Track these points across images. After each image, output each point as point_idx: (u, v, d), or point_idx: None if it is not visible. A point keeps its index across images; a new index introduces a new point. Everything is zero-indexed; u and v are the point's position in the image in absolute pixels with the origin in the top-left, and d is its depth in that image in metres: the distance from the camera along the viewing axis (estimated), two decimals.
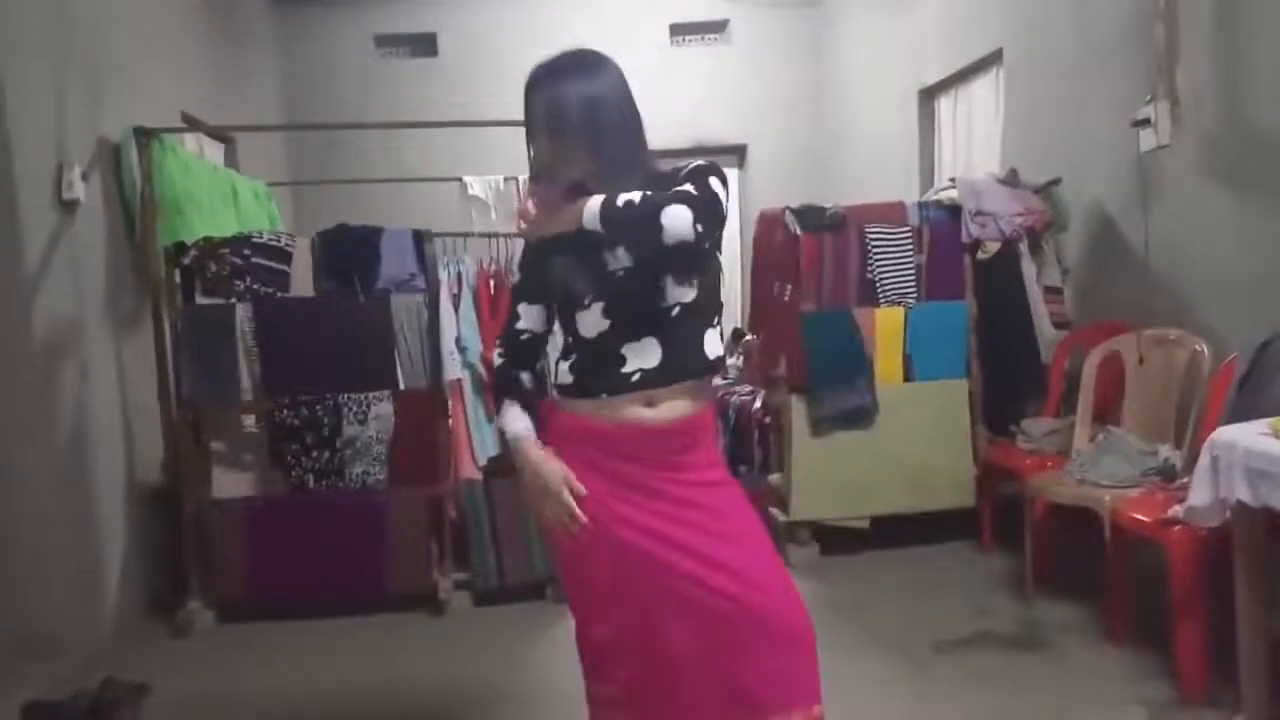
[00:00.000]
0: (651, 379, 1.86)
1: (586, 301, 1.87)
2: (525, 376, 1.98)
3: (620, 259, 1.86)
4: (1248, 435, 2.44)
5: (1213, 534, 2.72)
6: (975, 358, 4.31)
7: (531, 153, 1.89)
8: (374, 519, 3.93)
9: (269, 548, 3.92)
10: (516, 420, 1.95)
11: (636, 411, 1.87)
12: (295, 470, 3.94)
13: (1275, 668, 2.54)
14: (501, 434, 2.09)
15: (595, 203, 1.80)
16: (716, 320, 1.95)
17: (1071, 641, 3.33)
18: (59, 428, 3.68)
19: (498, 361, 2.02)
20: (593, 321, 1.88)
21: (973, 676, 3.14)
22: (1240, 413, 2.83)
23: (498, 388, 2.02)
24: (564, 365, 1.93)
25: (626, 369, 1.86)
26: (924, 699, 3.03)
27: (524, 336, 1.98)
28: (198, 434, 4.01)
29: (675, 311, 1.87)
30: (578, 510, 1.86)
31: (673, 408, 1.88)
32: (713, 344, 1.92)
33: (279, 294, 3.97)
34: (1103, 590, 3.39)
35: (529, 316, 1.99)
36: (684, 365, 1.89)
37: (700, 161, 1.92)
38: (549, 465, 1.89)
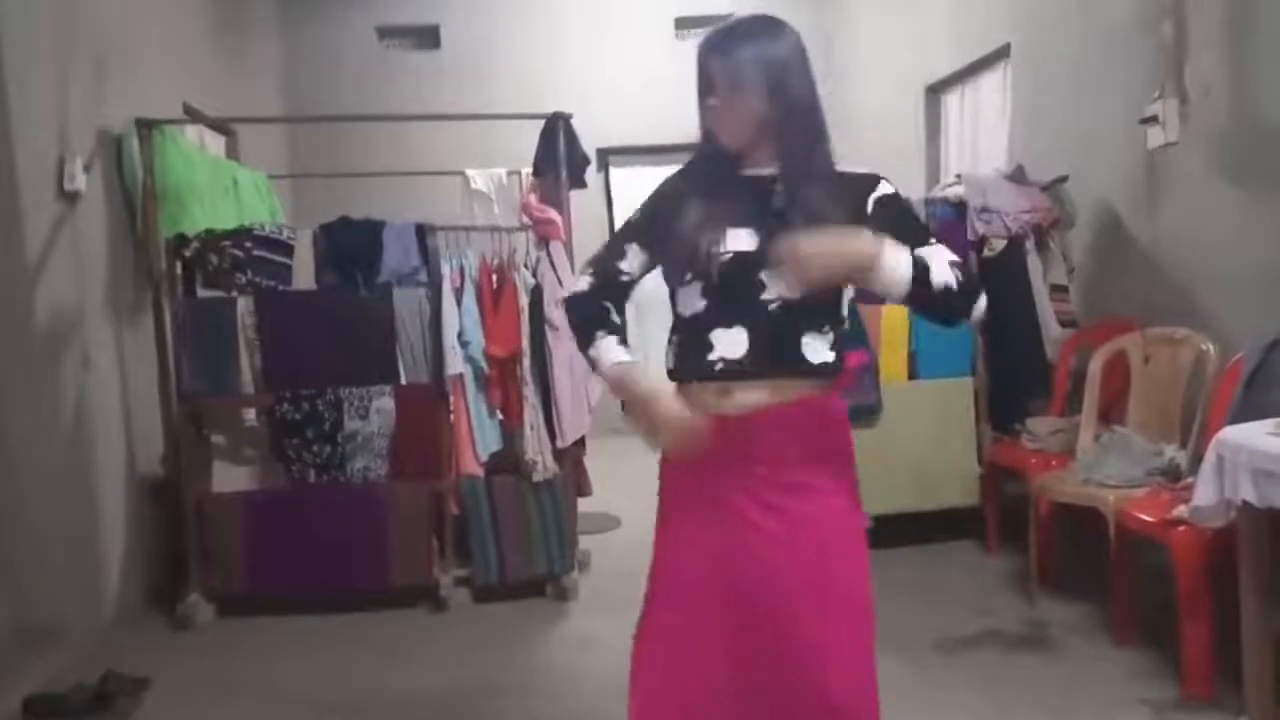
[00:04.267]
0: (734, 370, 1.78)
1: (687, 277, 1.80)
2: (613, 312, 1.87)
3: (739, 242, 1.77)
4: (1254, 435, 2.44)
5: (1218, 534, 2.71)
6: (980, 356, 4.28)
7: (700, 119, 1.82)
8: (375, 514, 3.92)
9: (269, 542, 3.90)
10: (612, 348, 1.82)
11: (713, 400, 1.80)
12: (296, 464, 3.93)
13: (1279, 668, 2.52)
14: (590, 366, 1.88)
15: (902, 257, 1.68)
16: (827, 327, 1.80)
17: (1075, 641, 3.32)
18: (60, 420, 3.67)
19: (581, 286, 1.89)
20: (688, 299, 1.82)
21: (976, 676, 3.13)
22: (1246, 412, 2.82)
23: (583, 318, 1.87)
24: (668, 346, 1.87)
25: (712, 356, 1.79)
26: (926, 698, 3.00)
27: (623, 277, 1.87)
28: (198, 427, 4.01)
29: (775, 305, 1.77)
30: (693, 423, 1.75)
31: (751, 399, 1.78)
32: (816, 348, 1.78)
33: (281, 287, 3.96)
34: (1107, 590, 3.38)
35: (634, 259, 1.88)
36: (772, 361, 1.78)
37: (888, 188, 1.82)
38: (657, 390, 1.78)
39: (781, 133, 1.78)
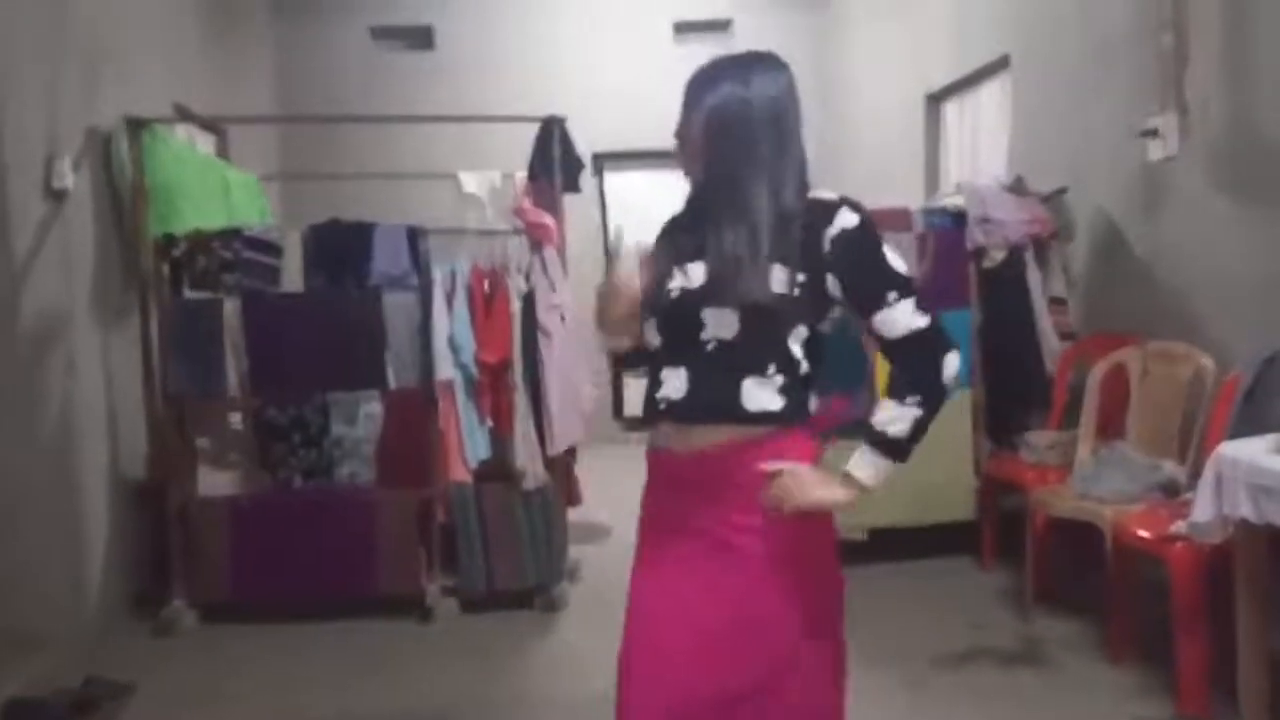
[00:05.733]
0: (675, 411, 1.77)
1: (647, 314, 1.81)
2: None
3: (688, 278, 1.75)
4: (1252, 452, 2.43)
5: (1215, 550, 2.70)
6: (978, 368, 4.25)
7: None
8: (361, 521, 3.89)
9: (254, 547, 3.87)
10: None
11: (668, 439, 1.81)
12: (282, 469, 3.90)
13: (1275, 685, 2.53)
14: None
15: (880, 467, 1.73)
16: (772, 369, 1.72)
17: (1071, 658, 3.31)
18: (44, 420, 3.63)
19: None
20: (650, 334, 1.83)
21: (970, 692, 3.11)
22: (1244, 428, 2.82)
23: None
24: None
25: (659, 394, 1.78)
26: (920, 714, 3.01)
27: None
28: (183, 430, 3.96)
29: (711, 346, 1.73)
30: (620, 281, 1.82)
31: (709, 438, 1.75)
32: (759, 394, 1.71)
33: (269, 289, 3.93)
34: (1103, 606, 3.36)
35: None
36: (706, 406, 1.74)
37: (848, 220, 1.71)
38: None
39: (716, 173, 1.76)
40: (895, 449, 1.71)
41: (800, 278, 1.70)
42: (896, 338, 1.71)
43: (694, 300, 1.73)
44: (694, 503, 1.77)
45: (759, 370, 1.72)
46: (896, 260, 1.73)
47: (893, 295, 1.69)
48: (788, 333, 1.73)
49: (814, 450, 1.79)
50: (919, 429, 1.70)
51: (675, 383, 1.76)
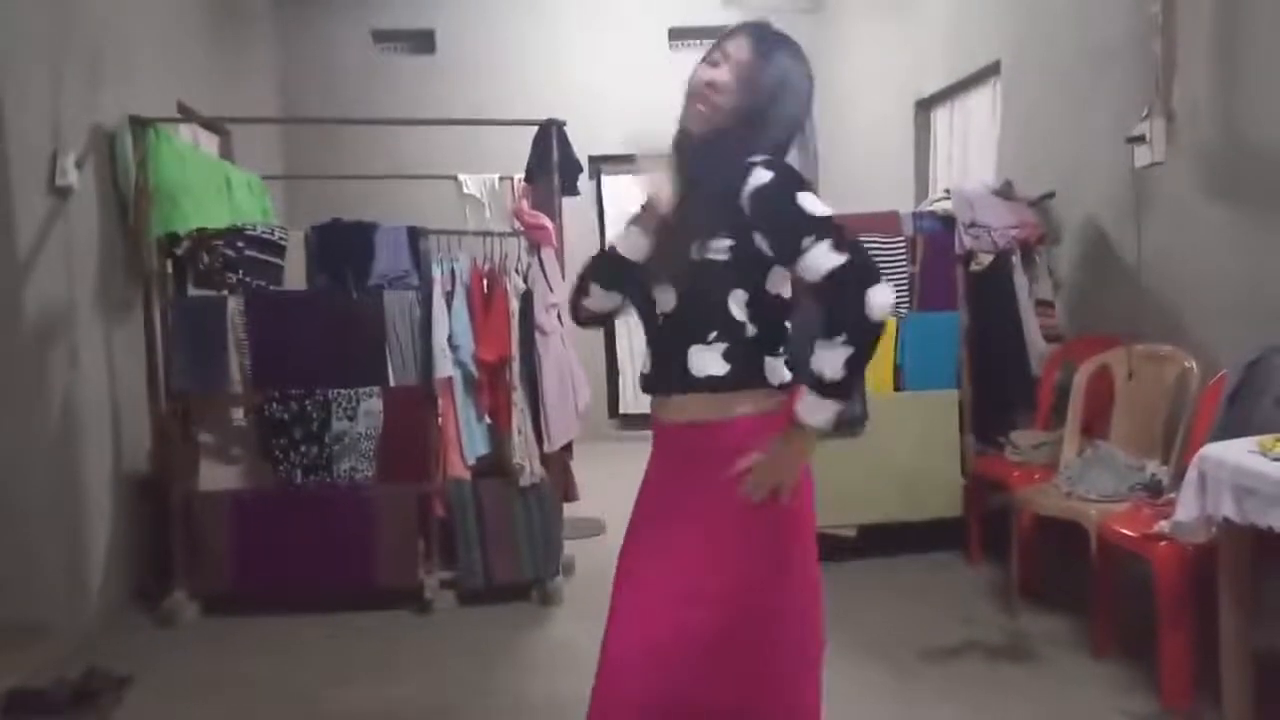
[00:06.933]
0: (645, 383, 1.92)
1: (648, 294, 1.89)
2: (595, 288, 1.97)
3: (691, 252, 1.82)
4: (1235, 452, 2.46)
5: (1198, 550, 2.73)
6: (966, 369, 4.31)
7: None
8: (361, 515, 3.92)
9: (255, 541, 3.91)
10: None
11: (657, 411, 1.93)
12: (283, 464, 3.94)
13: (1257, 682, 2.55)
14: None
15: (823, 407, 1.71)
16: (714, 336, 1.78)
17: (1056, 653, 3.34)
18: (48, 416, 3.66)
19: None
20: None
21: (958, 685, 3.15)
22: (1228, 430, 2.85)
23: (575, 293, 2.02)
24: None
25: (641, 371, 1.94)
26: (909, 707, 3.04)
27: (615, 252, 1.93)
28: (186, 426, 4.00)
29: (660, 321, 1.85)
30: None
31: (682, 412, 1.86)
32: (702, 360, 1.78)
33: (271, 287, 3.97)
34: (1088, 603, 3.40)
35: (630, 243, 1.91)
36: (665, 377, 1.87)
37: (763, 176, 1.73)
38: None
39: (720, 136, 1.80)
40: (833, 390, 1.69)
41: (727, 242, 1.75)
42: (818, 281, 1.68)
43: (649, 280, 1.85)
44: (675, 474, 1.88)
45: (701, 338, 1.78)
46: (814, 205, 1.71)
47: (808, 240, 1.68)
48: (724, 297, 1.77)
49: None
50: (851, 367, 1.67)
51: (646, 359, 1.91)
